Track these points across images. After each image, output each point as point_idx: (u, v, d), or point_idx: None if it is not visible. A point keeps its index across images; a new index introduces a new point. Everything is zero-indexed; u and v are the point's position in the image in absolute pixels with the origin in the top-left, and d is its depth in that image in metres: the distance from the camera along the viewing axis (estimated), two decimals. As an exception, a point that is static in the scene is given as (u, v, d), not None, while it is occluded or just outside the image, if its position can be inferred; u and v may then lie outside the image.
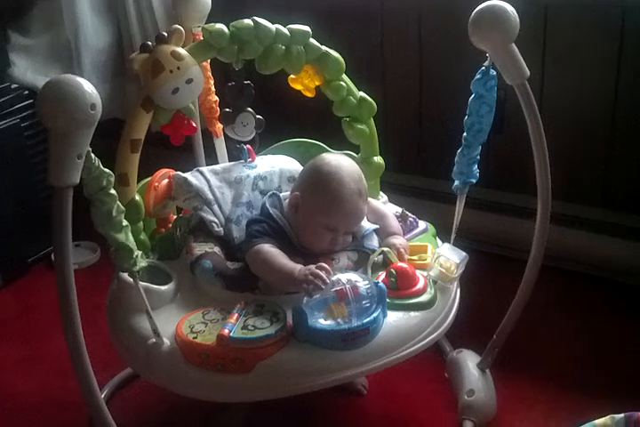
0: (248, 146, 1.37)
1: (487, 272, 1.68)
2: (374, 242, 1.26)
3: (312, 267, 1.10)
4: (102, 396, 1.13)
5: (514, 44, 1.10)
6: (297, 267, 1.13)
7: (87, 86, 0.89)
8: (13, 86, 1.88)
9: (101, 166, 0.96)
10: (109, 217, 0.99)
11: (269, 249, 1.17)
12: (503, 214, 1.84)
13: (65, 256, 0.92)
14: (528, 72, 1.12)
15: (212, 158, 1.50)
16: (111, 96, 2.01)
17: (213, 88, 1.43)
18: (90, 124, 0.89)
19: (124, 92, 2.06)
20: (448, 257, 1.18)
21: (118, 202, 1.01)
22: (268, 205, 1.26)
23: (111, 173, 0.98)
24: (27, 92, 1.90)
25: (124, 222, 1.03)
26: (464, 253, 1.20)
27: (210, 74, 1.40)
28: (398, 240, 1.25)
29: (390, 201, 1.44)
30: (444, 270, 1.19)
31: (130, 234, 1.04)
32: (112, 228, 1.01)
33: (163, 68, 1.15)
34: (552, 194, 1.21)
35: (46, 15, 2.00)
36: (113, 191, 0.99)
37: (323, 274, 1.08)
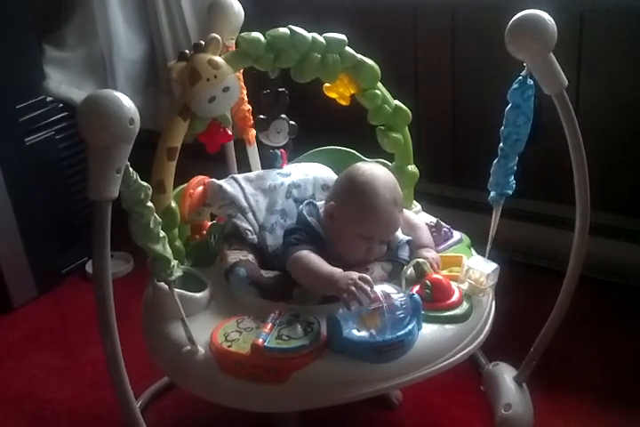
0: (281, 150, 1.37)
1: (523, 283, 1.66)
2: (408, 253, 1.24)
3: (355, 277, 1.08)
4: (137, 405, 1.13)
5: (552, 54, 1.08)
6: (336, 270, 1.12)
7: (126, 101, 0.89)
8: (48, 99, 1.90)
9: (139, 180, 0.97)
10: (147, 229, 1.00)
11: (308, 254, 1.16)
12: (537, 224, 1.82)
13: (104, 268, 0.93)
14: (566, 81, 1.10)
15: (243, 166, 1.50)
16: (144, 107, 2.02)
17: (246, 97, 1.43)
18: (128, 138, 0.90)
19: (157, 104, 2.08)
20: (477, 269, 1.16)
21: (155, 214, 1.01)
22: (305, 214, 1.24)
23: (149, 186, 0.99)
24: (61, 104, 1.92)
25: (162, 234, 1.03)
26: (495, 265, 1.17)
27: (242, 84, 1.41)
28: (430, 254, 1.23)
29: (424, 211, 1.43)
30: (473, 282, 1.17)
31: (167, 245, 1.05)
32: (150, 239, 1.02)
33: (200, 76, 1.15)
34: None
35: (81, 28, 2.02)
36: (150, 204, 1.00)
37: (369, 289, 1.06)
